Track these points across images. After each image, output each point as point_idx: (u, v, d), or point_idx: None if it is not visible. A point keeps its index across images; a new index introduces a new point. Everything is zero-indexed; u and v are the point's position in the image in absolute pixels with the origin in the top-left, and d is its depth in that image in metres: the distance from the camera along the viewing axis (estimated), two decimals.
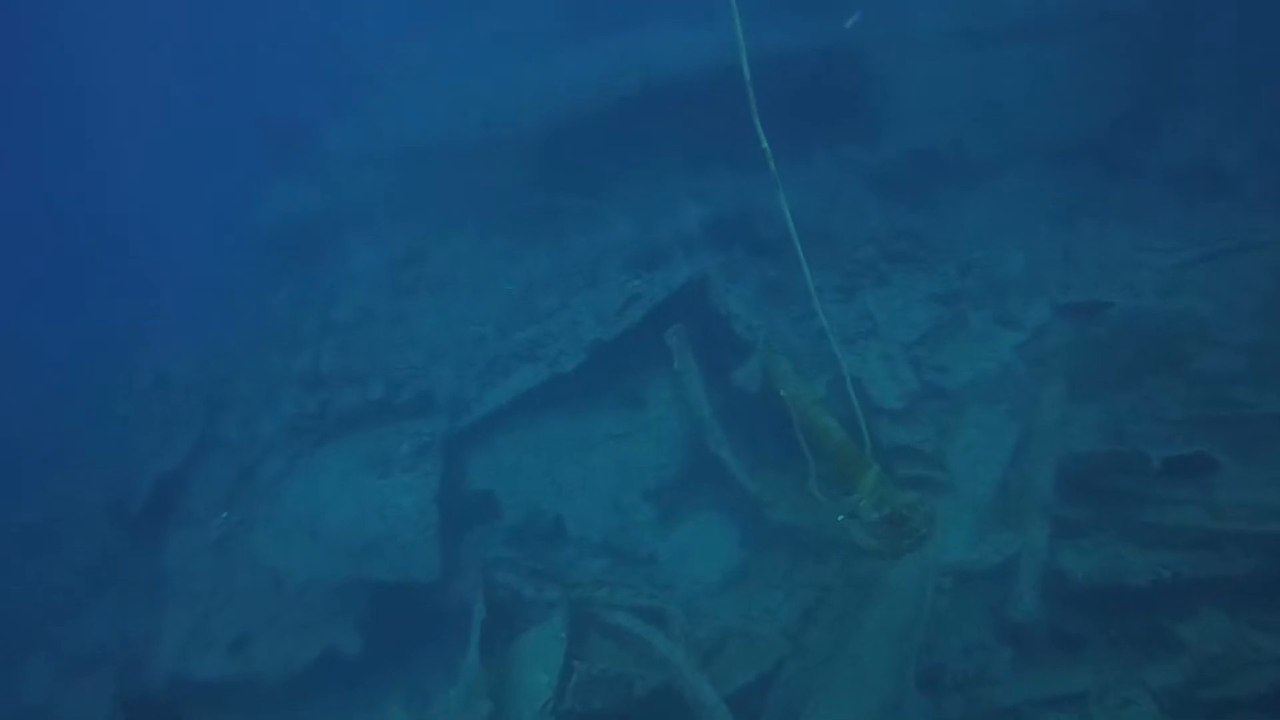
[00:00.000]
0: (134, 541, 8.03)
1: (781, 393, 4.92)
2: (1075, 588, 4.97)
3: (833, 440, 4.64)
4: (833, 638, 5.31)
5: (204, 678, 6.38)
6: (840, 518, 4.07)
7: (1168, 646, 4.64)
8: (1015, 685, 4.85)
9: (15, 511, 9.45)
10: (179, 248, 14.62)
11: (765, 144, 3.25)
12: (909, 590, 5.52)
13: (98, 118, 21.96)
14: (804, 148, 9.12)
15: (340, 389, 7.92)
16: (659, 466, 6.93)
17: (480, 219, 9.77)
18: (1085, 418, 5.89)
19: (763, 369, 6.17)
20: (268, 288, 10.40)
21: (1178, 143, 8.61)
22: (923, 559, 4.97)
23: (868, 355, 6.55)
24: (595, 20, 11.34)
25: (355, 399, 7.79)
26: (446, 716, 5.08)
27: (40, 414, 11.30)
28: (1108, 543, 5.04)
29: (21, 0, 22.56)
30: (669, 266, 7.57)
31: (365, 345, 8.35)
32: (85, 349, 12.49)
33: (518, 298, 8.12)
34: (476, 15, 12.76)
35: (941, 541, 5.24)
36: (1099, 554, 5.04)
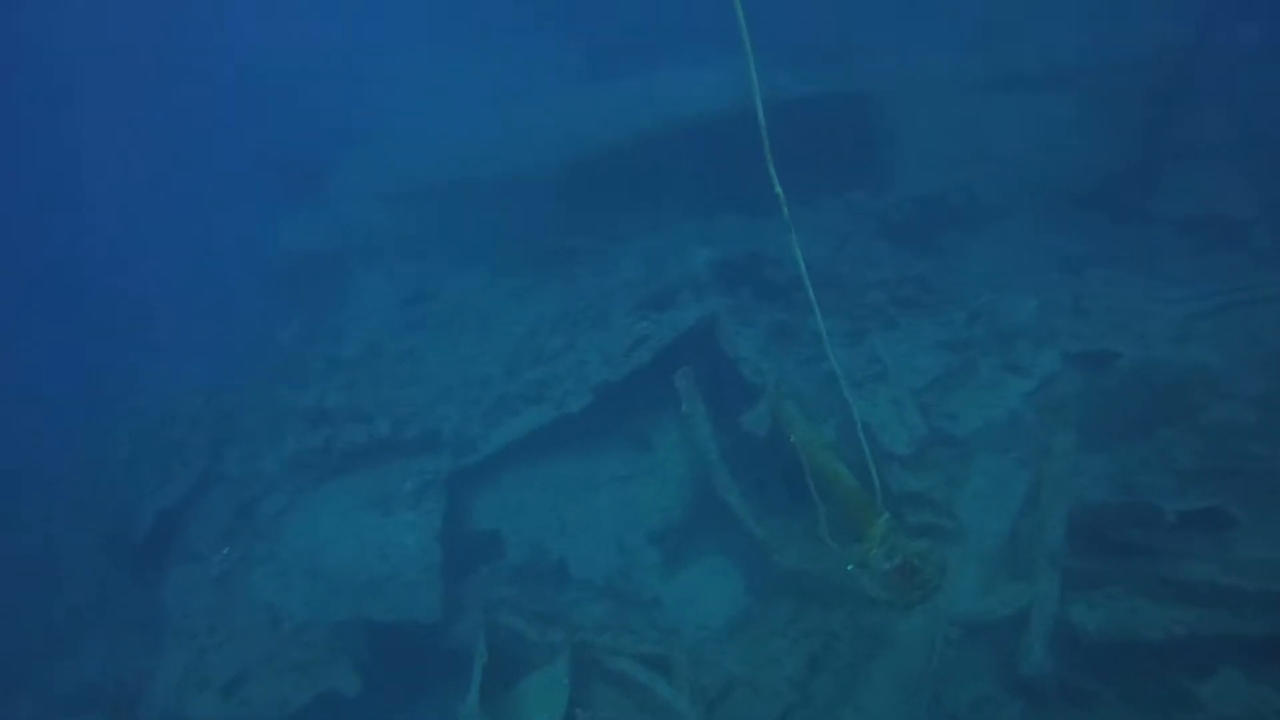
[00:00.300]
0: (132, 577, 7.95)
1: (792, 438, 4.88)
2: (1087, 641, 4.88)
3: (843, 486, 4.60)
4: (839, 687, 5.22)
5: (198, 718, 6.26)
6: (850, 566, 4.01)
7: (1183, 706, 4.52)
8: None
9: (11, 546, 9.36)
10: (187, 282, 14.71)
11: (779, 190, 3.26)
12: (917, 640, 5.44)
13: (101, 149, 22.21)
14: (812, 192, 9.22)
15: (345, 425, 7.90)
16: (664, 509, 6.87)
17: (490, 258, 9.85)
18: (1096, 468, 5.84)
19: (771, 413, 6.14)
20: (276, 323, 10.44)
21: (1185, 193, 8.67)
22: (932, 609, 4.90)
23: (877, 400, 6.51)
24: (610, 63, 11.56)
25: (360, 436, 7.77)
26: None
27: (41, 447, 11.26)
28: (1121, 596, 4.95)
29: (27, 35, 23.04)
30: (677, 308, 7.59)
31: (372, 382, 8.35)
32: (88, 382, 12.50)
33: (525, 337, 8.13)
34: (492, 56, 13.02)
35: (951, 591, 5.16)
36: (1112, 607, 4.95)
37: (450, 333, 8.84)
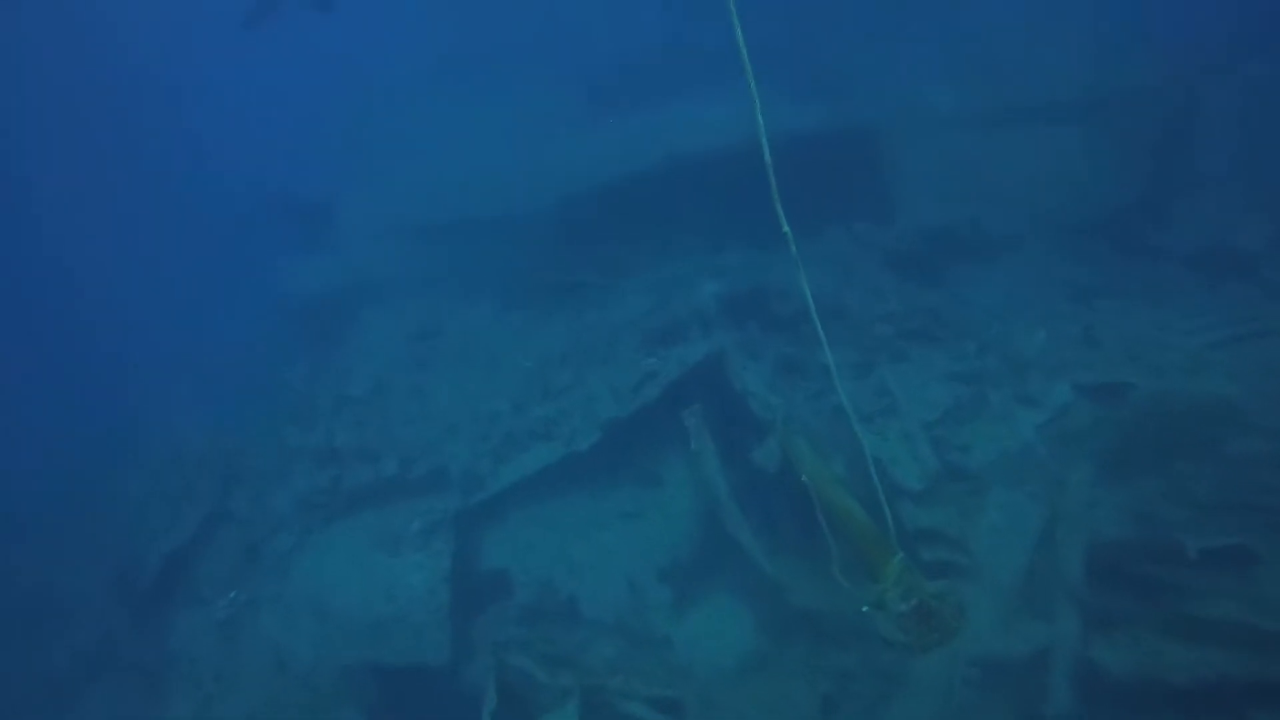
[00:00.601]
0: (138, 621, 7.87)
1: (803, 477, 4.82)
2: (1111, 683, 4.76)
3: (855, 524, 4.52)
4: None
5: None
6: (865, 608, 3.92)
7: None
8: None
9: (17, 590, 9.29)
10: (194, 323, 14.80)
11: (786, 228, 3.25)
12: (935, 681, 5.32)
13: (108, 192, 22.51)
14: (817, 224, 9.22)
15: (353, 465, 7.87)
16: (674, 546, 6.80)
17: (497, 294, 9.86)
18: (1113, 501, 5.74)
19: (781, 448, 6.08)
20: (284, 362, 10.45)
21: (1193, 224, 8.64)
22: (949, 649, 4.79)
23: (887, 434, 6.45)
24: (615, 100, 11.66)
25: (368, 475, 7.74)
26: None
27: (48, 490, 11.24)
28: (1145, 636, 4.84)
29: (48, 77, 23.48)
30: (685, 343, 7.57)
31: (379, 420, 8.32)
32: (95, 425, 12.52)
33: (533, 373, 8.11)
34: (498, 92, 13.18)
35: (968, 630, 5.05)
36: (1136, 648, 4.84)
37: (457, 369, 8.83)
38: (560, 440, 7.21)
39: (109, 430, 11.89)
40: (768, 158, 3.30)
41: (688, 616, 6.50)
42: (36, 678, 8.17)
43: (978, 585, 5.57)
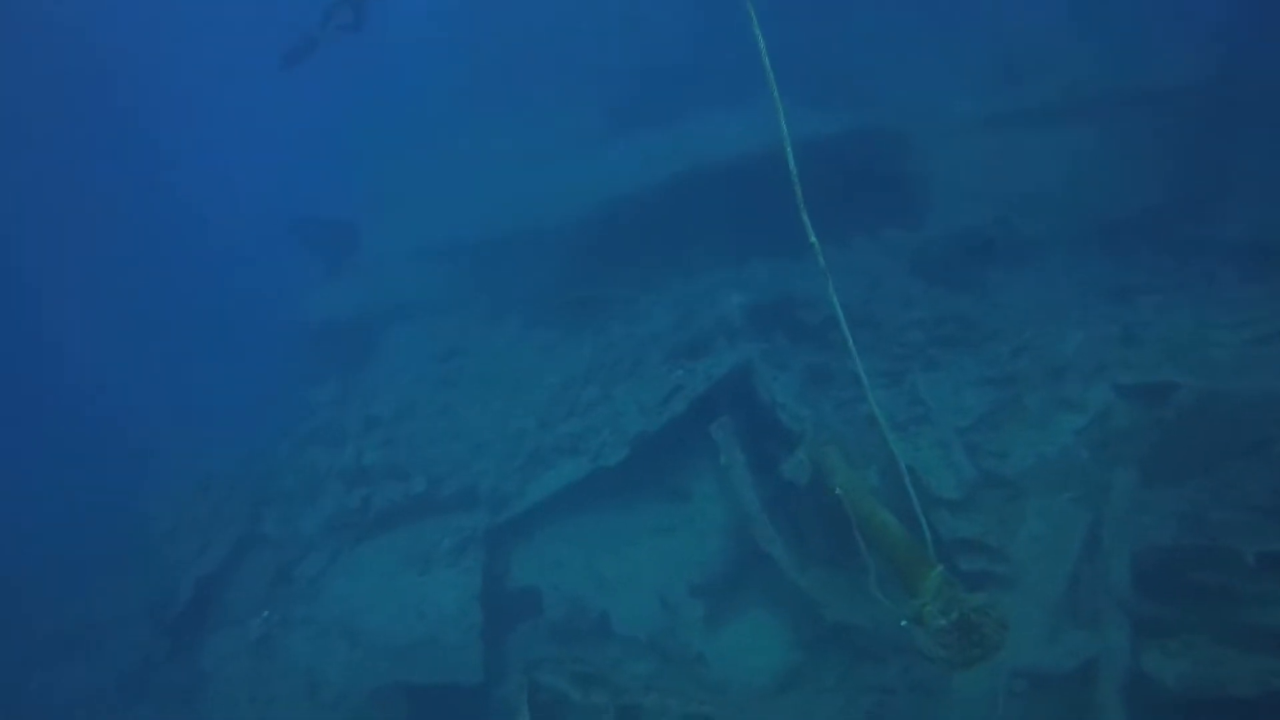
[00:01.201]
0: (173, 646, 7.91)
1: (837, 490, 4.70)
2: (1167, 696, 4.55)
3: (891, 537, 4.39)
4: None
5: None
6: (903, 623, 3.79)
7: None
8: None
9: (54, 620, 9.40)
10: (223, 348, 14.99)
11: (814, 239, 3.17)
12: (978, 695, 5.15)
13: (135, 214, 22.92)
14: (844, 231, 9.11)
15: (382, 484, 7.89)
16: (705, 562, 6.68)
17: (521, 311, 9.87)
18: (1161, 505, 5.53)
19: (812, 460, 5.96)
20: (312, 384, 10.53)
21: (1231, 219, 8.38)
22: (992, 663, 4.63)
23: (920, 442, 6.30)
24: (635, 116, 11.64)
25: (397, 494, 7.74)
26: None
27: (81, 519, 11.40)
28: (1201, 645, 4.63)
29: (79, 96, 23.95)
30: (712, 355, 7.48)
31: (407, 439, 8.34)
32: (127, 450, 12.69)
33: (559, 389, 8.07)
34: (519, 111, 13.23)
35: (1012, 643, 4.89)
36: (1191, 657, 4.62)
37: (484, 387, 8.83)
38: (588, 456, 7.15)
39: (139, 456, 12.05)
40: (793, 169, 3.24)
41: (721, 633, 6.37)
42: (84, 702, 8.24)
43: (1020, 596, 5.41)
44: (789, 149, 3.03)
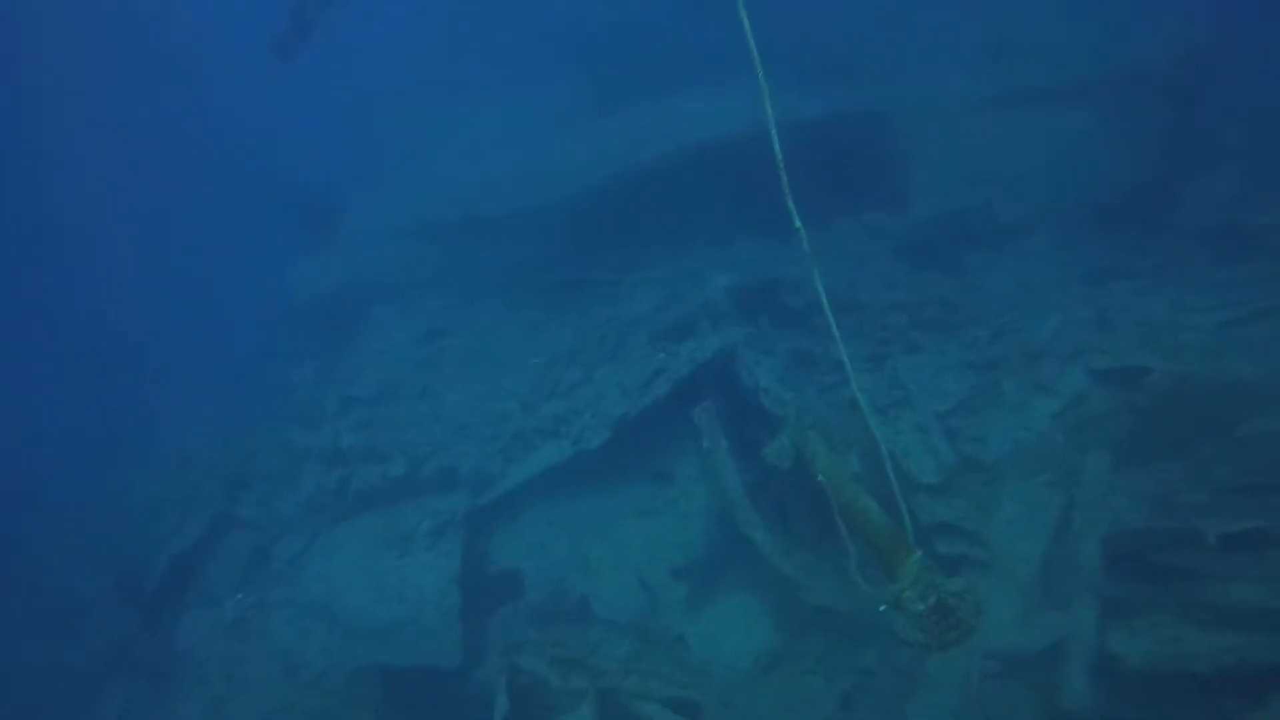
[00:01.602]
0: (147, 625, 7.87)
1: (819, 476, 4.74)
2: (1130, 673, 4.66)
3: (872, 523, 4.43)
4: None
5: None
6: (882, 608, 3.84)
7: None
8: None
9: (26, 596, 9.31)
10: (201, 325, 14.79)
11: (799, 223, 3.16)
12: (954, 676, 5.25)
13: (115, 192, 22.46)
14: (828, 214, 9.11)
15: (361, 466, 7.83)
16: (687, 544, 6.72)
17: (504, 292, 9.79)
18: (1132, 488, 5.64)
19: (794, 445, 5.99)
20: (291, 364, 10.42)
21: (1206, 203, 8.47)
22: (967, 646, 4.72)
23: (901, 426, 6.35)
24: (620, 95, 11.55)
25: (376, 476, 7.69)
26: None
27: (55, 494, 11.26)
28: (1164, 624, 4.74)
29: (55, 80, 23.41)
30: (695, 338, 7.48)
31: (387, 421, 8.28)
32: (102, 428, 12.52)
33: (542, 371, 8.04)
34: (503, 90, 13.09)
35: (987, 625, 4.98)
36: (1155, 636, 4.73)
37: (466, 368, 8.76)
38: (570, 439, 7.13)
39: (119, 430, 11.90)
40: (778, 152, 3.22)
41: (703, 615, 6.43)
42: (56, 678, 8.19)
43: (995, 578, 5.50)
44: (774, 133, 3.02)
